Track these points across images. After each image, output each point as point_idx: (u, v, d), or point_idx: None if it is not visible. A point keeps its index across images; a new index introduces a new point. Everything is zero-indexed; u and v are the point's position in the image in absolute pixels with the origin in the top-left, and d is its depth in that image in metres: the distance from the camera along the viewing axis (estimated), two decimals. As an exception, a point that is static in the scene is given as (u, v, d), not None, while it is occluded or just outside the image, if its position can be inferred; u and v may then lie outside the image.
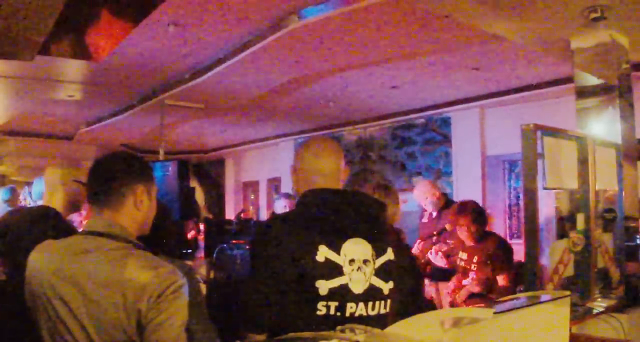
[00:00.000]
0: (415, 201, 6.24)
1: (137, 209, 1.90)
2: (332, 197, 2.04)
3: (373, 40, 5.30)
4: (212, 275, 7.20)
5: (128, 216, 1.88)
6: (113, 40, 4.97)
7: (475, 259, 4.45)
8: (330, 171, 2.12)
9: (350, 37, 5.19)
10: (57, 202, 2.94)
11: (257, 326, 1.95)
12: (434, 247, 5.38)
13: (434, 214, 5.99)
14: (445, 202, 5.98)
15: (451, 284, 4.65)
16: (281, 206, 6.14)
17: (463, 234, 4.52)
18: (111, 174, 1.89)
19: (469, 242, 4.54)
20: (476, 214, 4.50)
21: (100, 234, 1.83)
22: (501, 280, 4.33)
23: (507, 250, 4.53)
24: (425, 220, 6.13)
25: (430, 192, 5.91)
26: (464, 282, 4.50)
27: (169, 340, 1.70)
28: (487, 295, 4.34)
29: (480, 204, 4.99)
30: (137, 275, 1.71)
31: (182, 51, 5.77)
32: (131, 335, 1.71)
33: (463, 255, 4.60)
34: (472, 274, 4.45)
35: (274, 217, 2.16)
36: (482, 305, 4.17)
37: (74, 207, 3.02)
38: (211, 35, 5.31)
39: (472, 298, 4.40)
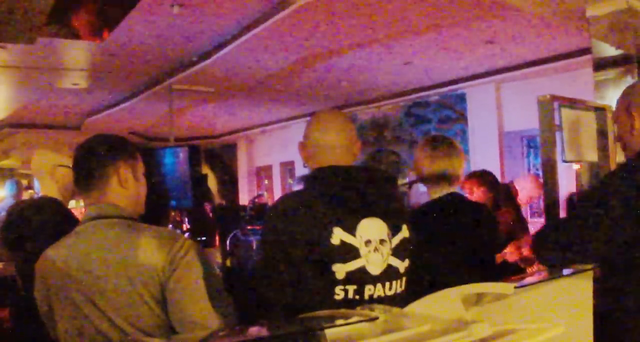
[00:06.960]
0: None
1: (123, 188, 1.88)
2: (343, 174, 1.92)
3: (383, 15, 5.19)
4: (228, 263, 7.18)
5: (115, 194, 1.87)
6: (114, 20, 4.89)
7: None
8: (339, 145, 2.00)
9: (360, 13, 5.09)
10: (48, 189, 2.88)
11: (270, 314, 1.89)
12: None
13: None
14: None
15: None
16: None
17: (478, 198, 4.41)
18: (89, 157, 1.88)
19: None
20: (490, 180, 4.40)
21: (94, 218, 1.83)
22: (525, 251, 4.24)
23: (523, 222, 4.44)
24: None
25: None
26: None
27: (192, 301, 1.73)
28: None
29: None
30: (143, 252, 1.73)
31: (188, 33, 5.69)
32: (159, 314, 1.72)
33: None
34: None
35: (285, 195, 2.04)
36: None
37: (69, 192, 2.94)
38: (217, 15, 5.22)
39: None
